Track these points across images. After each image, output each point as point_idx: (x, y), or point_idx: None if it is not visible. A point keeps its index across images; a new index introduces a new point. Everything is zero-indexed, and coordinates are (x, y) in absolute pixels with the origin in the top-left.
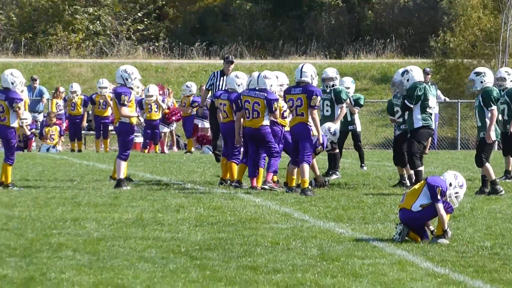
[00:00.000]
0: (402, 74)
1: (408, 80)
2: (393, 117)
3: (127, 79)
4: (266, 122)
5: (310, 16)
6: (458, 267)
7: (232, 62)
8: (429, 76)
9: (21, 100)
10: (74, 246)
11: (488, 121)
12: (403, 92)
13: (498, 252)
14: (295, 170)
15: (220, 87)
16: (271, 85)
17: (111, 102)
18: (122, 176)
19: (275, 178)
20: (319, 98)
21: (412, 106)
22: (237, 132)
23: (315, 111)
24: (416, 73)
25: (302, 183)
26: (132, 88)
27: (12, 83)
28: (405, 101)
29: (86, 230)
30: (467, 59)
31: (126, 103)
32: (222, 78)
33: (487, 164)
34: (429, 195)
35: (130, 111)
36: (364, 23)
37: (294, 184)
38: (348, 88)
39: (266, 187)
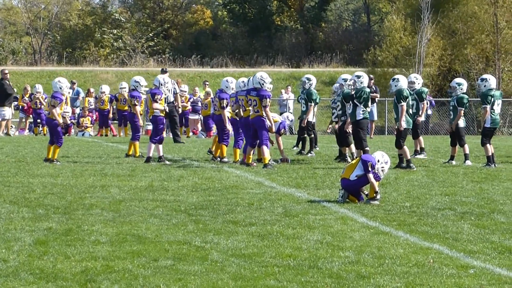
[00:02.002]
0: (358, 77)
1: (361, 83)
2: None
3: (161, 84)
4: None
5: (277, 36)
6: (385, 221)
7: (166, 72)
8: (372, 81)
9: (61, 100)
10: (102, 206)
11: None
12: (349, 90)
13: (415, 210)
14: (252, 151)
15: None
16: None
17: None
18: (151, 154)
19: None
20: (268, 100)
21: (359, 105)
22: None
23: (267, 109)
24: (365, 80)
25: (264, 160)
26: (163, 91)
27: (60, 88)
28: (355, 101)
29: (111, 194)
30: (391, 68)
31: (158, 100)
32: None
33: (404, 147)
34: (363, 168)
35: (160, 106)
36: (316, 41)
37: (250, 161)
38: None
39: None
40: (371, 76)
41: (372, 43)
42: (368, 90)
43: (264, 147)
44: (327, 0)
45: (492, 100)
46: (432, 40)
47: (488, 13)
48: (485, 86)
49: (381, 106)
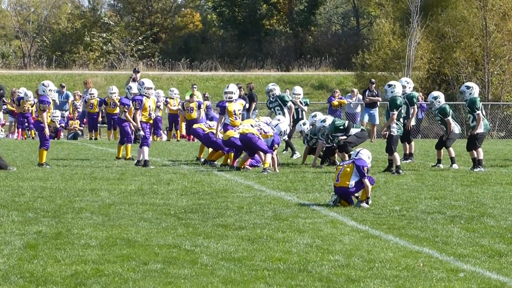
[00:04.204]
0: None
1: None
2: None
3: (139, 89)
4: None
5: (266, 39)
6: (375, 225)
7: (138, 72)
8: (374, 85)
9: (49, 103)
10: (91, 209)
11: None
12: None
13: (404, 214)
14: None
15: (134, 90)
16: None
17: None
18: (147, 157)
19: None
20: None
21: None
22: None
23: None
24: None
25: (265, 164)
26: (146, 95)
27: (43, 91)
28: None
29: (100, 197)
30: (380, 72)
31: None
32: (134, 83)
33: (395, 153)
34: (359, 174)
35: (142, 114)
36: (306, 45)
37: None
38: (299, 94)
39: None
40: (373, 80)
41: (361, 46)
42: None
43: (268, 155)
44: (316, 4)
45: (481, 105)
46: (421, 43)
47: (477, 16)
48: (470, 94)
49: None
